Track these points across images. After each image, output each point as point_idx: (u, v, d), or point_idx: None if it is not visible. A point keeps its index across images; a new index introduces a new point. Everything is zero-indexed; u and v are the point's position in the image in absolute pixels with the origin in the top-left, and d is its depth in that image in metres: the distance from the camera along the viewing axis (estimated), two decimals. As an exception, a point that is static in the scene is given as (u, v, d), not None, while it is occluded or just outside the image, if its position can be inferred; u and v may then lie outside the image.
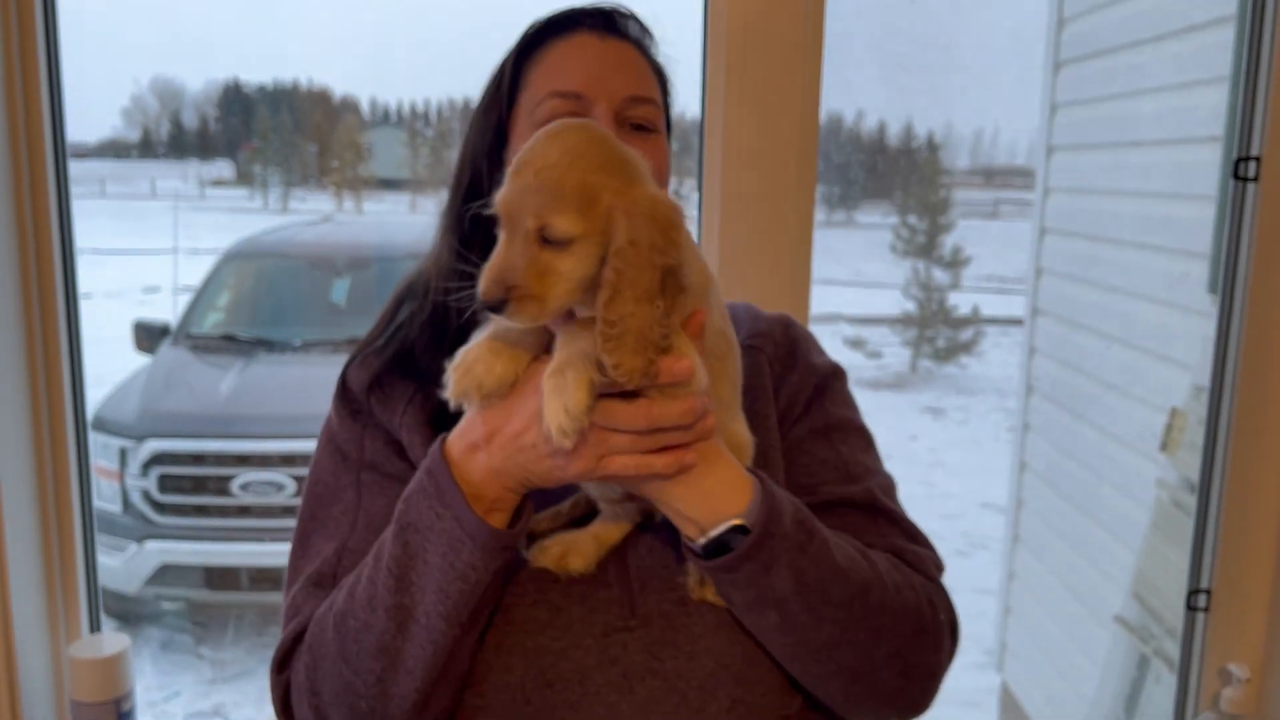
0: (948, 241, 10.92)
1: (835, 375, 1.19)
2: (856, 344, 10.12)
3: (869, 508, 1.08)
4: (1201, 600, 1.94)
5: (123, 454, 4.38)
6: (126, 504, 4.37)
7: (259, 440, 4.37)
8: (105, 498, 4.35)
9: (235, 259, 5.61)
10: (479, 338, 0.89)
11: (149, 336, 5.16)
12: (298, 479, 4.28)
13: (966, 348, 10.81)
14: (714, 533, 0.91)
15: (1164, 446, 2.93)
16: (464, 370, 0.87)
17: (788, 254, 1.75)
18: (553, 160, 0.81)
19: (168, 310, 5.70)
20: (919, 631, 0.99)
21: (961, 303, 10.85)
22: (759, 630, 0.96)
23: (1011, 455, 4.29)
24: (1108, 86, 3.55)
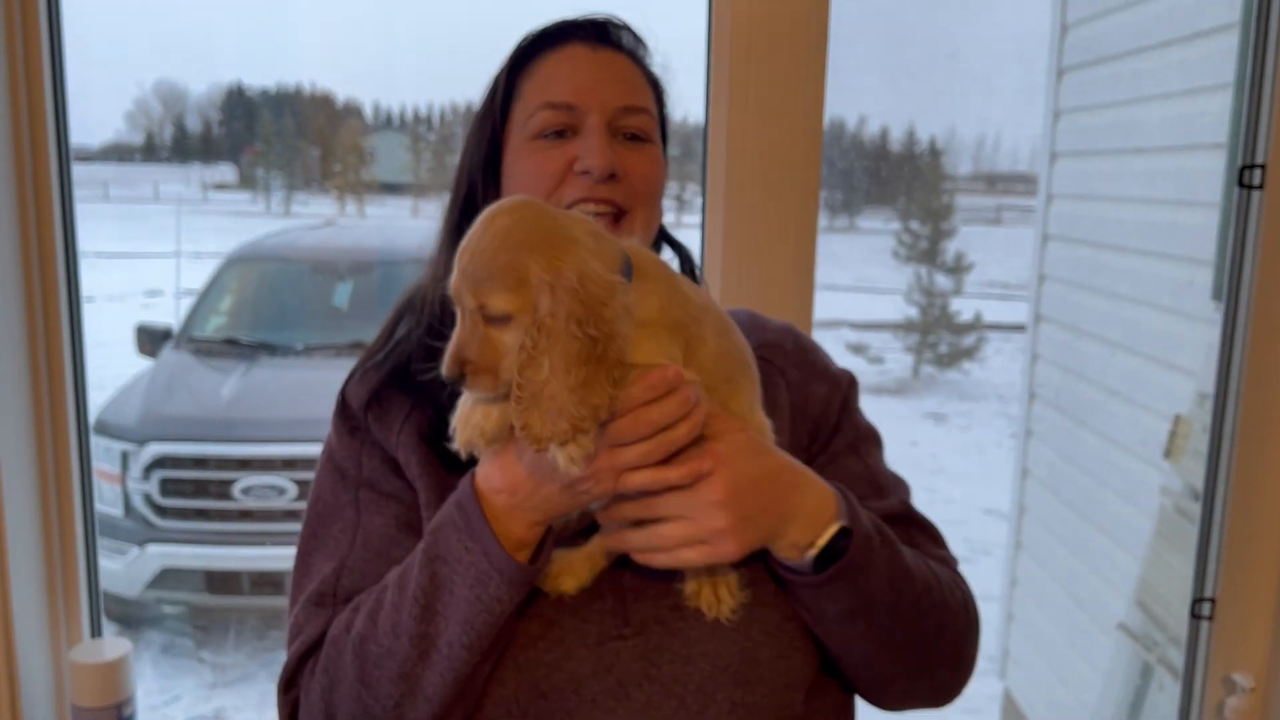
0: (950, 247, 10.92)
1: (852, 384, 1.20)
2: (859, 349, 10.12)
3: (904, 518, 1.11)
4: (1206, 609, 1.93)
5: (124, 457, 4.38)
6: (128, 507, 4.37)
7: (261, 444, 4.37)
8: (107, 501, 4.35)
9: (237, 263, 5.61)
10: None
11: (151, 340, 5.16)
12: (299, 483, 4.28)
13: (969, 353, 10.81)
14: (822, 541, 0.94)
15: (1168, 453, 2.92)
16: (464, 421, 0.91)
17: (791, 259, 1.74)
18: (484, 244, 0.86)
19: (170, 314, 5.71)
20: (967, 627, 1.06)
21: (964, 308, 10.85)
22: (842, 641, 1.00)
23: (1014, 461, 4.29)
24: (1112, 93, 3.55)
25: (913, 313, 10.77)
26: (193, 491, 4.36)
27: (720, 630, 0.98)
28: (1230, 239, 1.89)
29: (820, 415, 1.14)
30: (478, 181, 1.11)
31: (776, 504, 0.93)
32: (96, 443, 3.66)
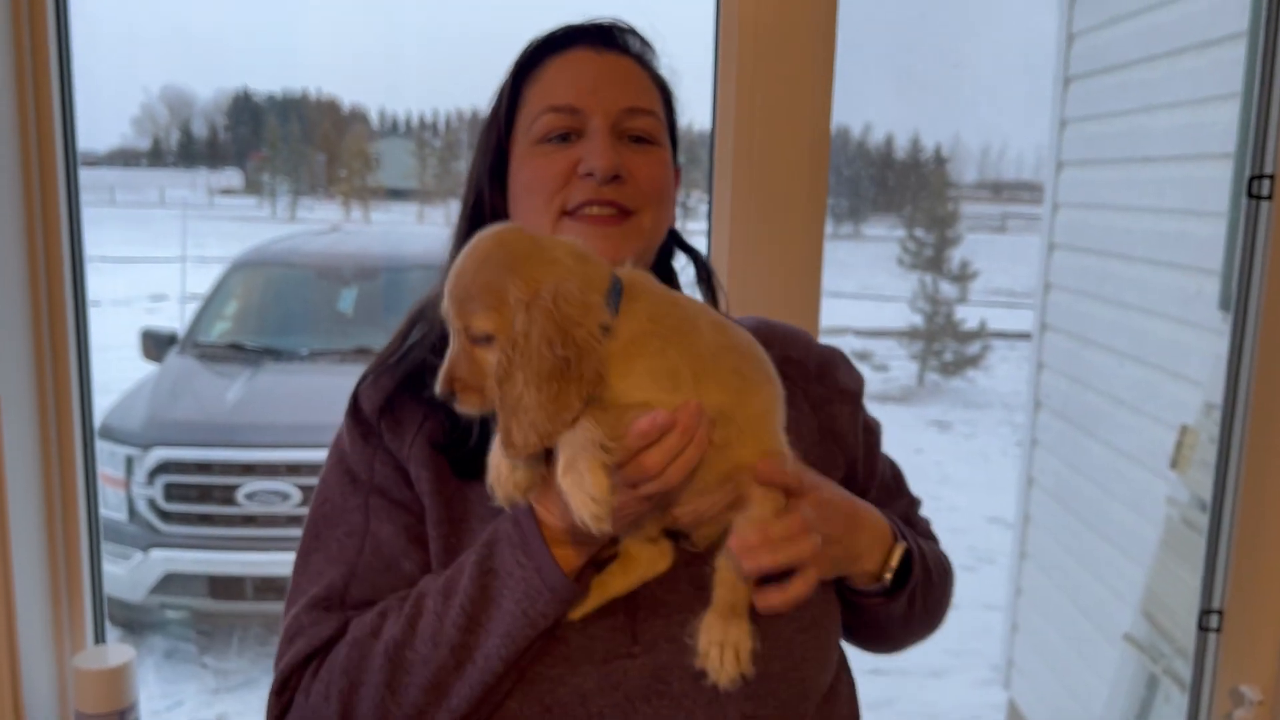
0: (955, 255, 10.92)
1: (860, 394, 1.22)
2: (863, 356, 10.11)
3: (909, 511, 1.24)
4: (1214, 621, 1.92)
5: (129, 462, 4.37)
6: (132, 512, 4.37)
7: (265, 449, 4.36)
8: (111, 506, 4.35)
9: (243, 268, 5.62)
10: (496, 440, 0.92)
11: (156, 345, 5.16)
12: (303, 488, 4.28)
13: (974, 361, 10.80)
14: (894, 563, 1.06)
15: (1174, 464, 2.91)
16: (496, 479, 0.92)
17: (799, 266, 1.74)
18: (466, 267, 0.90)
19: (175, 318, 5.71)
20: (951, 593, 1.20)
21: (969, 316, 10.85)
22: (885, 630, 1.13)
23: (1019, 470, 4.28)
24: (1118, 102, 3.54)
25: (917, 320, 10.77)
26: (197, 497, 4.36)
27: None
28: (1238, 249, 1.89)
29: (847, 434, 1.16)
30: (484, 189, 1.10)
31: (849, 528, 1.02)
32: (101, 447, 3.66)
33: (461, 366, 0.90)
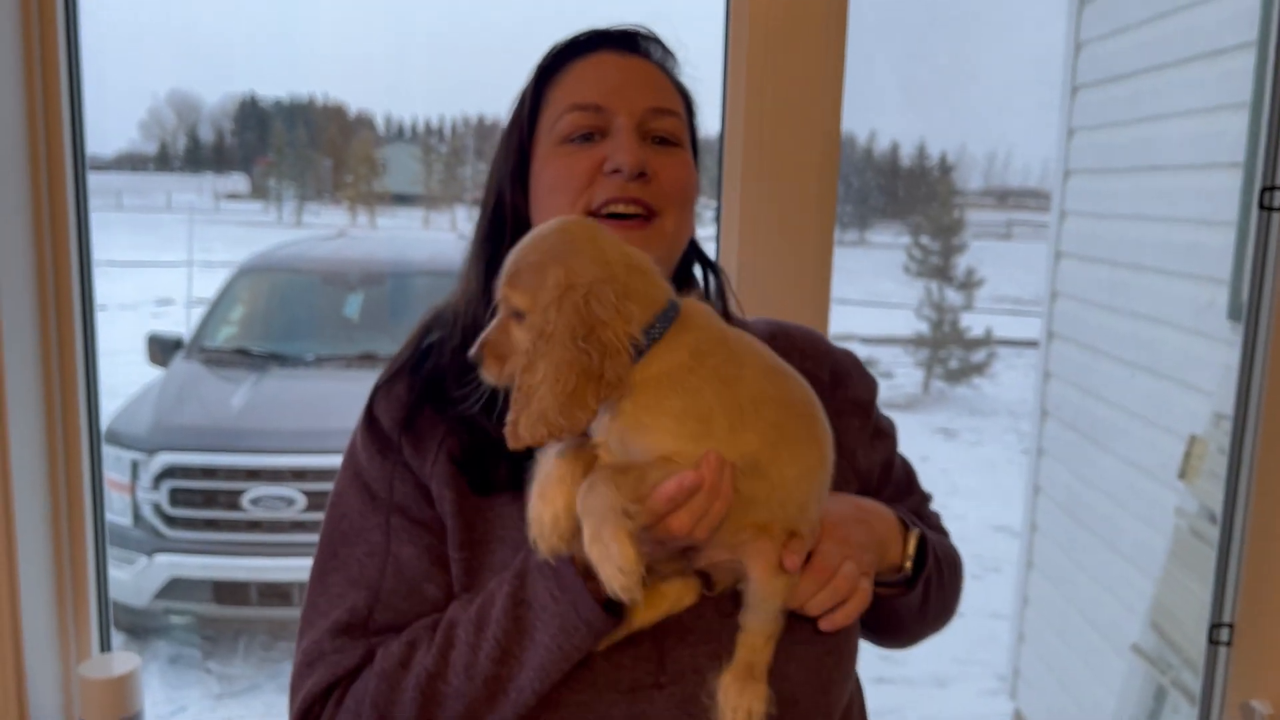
0: (961, 262, 10.92)
1: (873, 402, 1.21)
2: (869, 364, 10.07)
3: (920, 509, 1.23)
4: (1224, 634, 1.91)
5: (134, 467, 4.38)
6: (137, 517, 4.37)
7: (270, 455, 4.36)
8: (116, 510, 4.35)
9: (249, 273, 5.63)
10: (536, 490, 0.91)
11: (162, 350, 5.17)
12: (309, 494, 4.28)
13: (979, 369, 10.79)
14: (911, 550, 1.07)
15: (1182, 474, 2.90)
16: (540, 531, 0.89)
17: (808, 273, 1.73)
18: (526, 244, 0.91)
19: (181, 323, 5.73)
20: (961, 584, 1.20)
21: (974, 324, 10.84)
22: (902, 624, 1.13)
23: (1025, 478, 4.27)
24: (1127, 110, 3.54)
25: (923, 327, 10.76)
26: (202, 502, 4.36)
27: None
28: (1250, 260, 1.88)
29: (857, 449, 1.15)
30: (506, 191, 1.09)
31: (871, 535, 1.03)
32: (106, 452, 3.67)
33: (495, 335, 0.90)
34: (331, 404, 4.55)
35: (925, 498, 1.26)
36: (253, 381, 4.85)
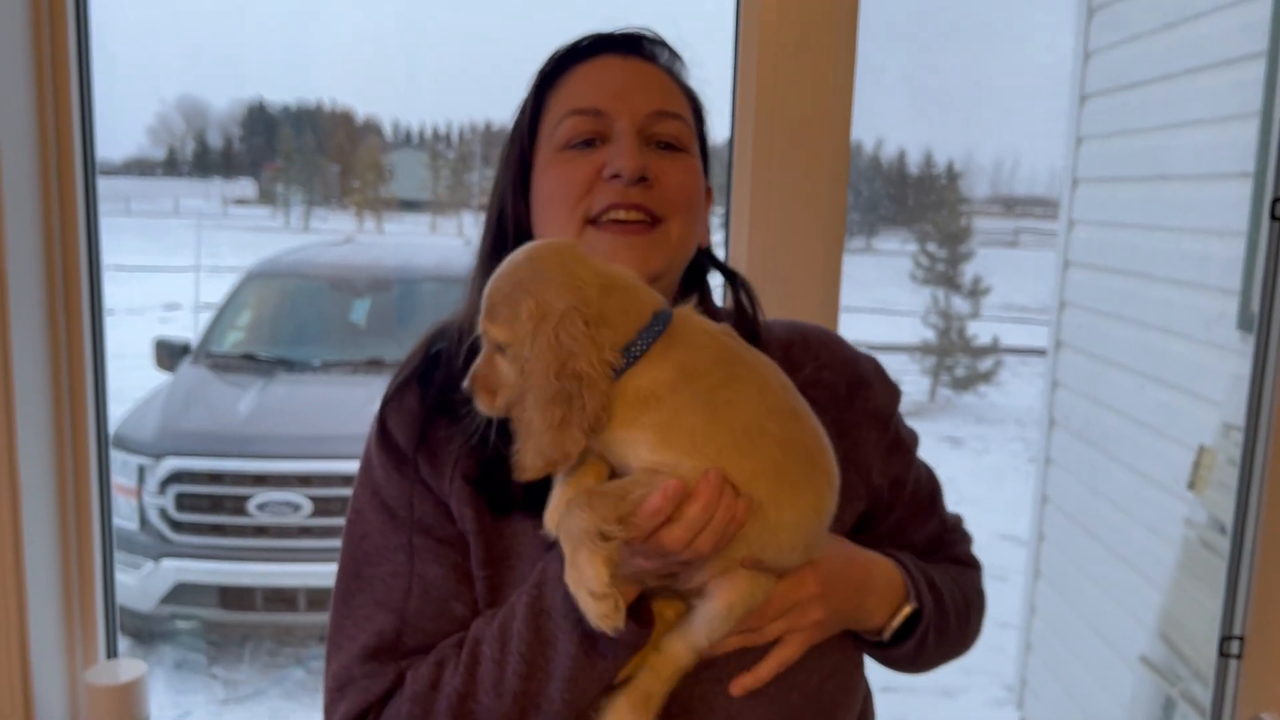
0: (968, 270, 10.90)
1: (893, 414, 1.14)
2: (877, 372, 10.05)
3: (940, 536, 1.18)
4: (1234, 647, 1.90)
5: (141, 471, 4.39)
6: (144, 522, 4.38)
7: (276, 460, 4.36)
8: (123, 515, 4.36)
9: (256, 278, 5.64)
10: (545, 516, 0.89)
11: (169, 355, 5.18)
12: (315, 499, 4.28)
13: (986, 377, 10.77)
14: (896, 624, 1.03)
15: (1191, 484, 2.89)
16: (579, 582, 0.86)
17: (817, 281, 1.73)
18: (499, 274, 0.90)
19: (188, 328, 5.73)
20: (979, 626, 1.17)
21: (981, 332, 10.82)
22: (887, 661, 1.10)
23: (1032, 487, 4.25)
24: (1136, 119, 3.53)
25: (930, 335, 10.74)
26: (208, 507, 4.36)
27: (760, 703, 0.97)
28: (1261, 271, 1.87)
29: (871, 464, 1.09)
30: (508, 203, 1.06)
31: (856, 593, 0.99)
32: (113, 456, 3.66)
33: (484, 368, 0.90)
34: (338, 409, 4.56)
35: (949, 522, 1.19)
36: (260, 387, 4.85)
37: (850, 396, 1.10)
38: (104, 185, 1.78)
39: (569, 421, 0.83)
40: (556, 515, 0.87)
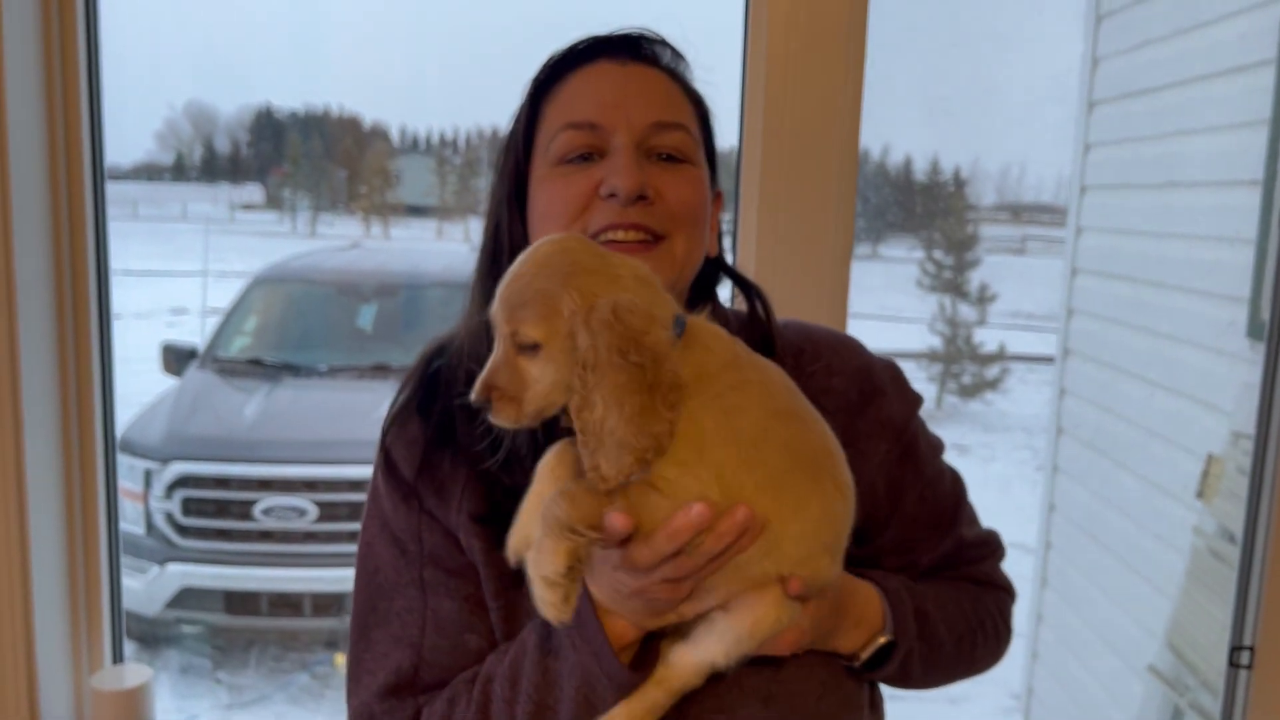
0: (974, 277, 10.88)
1: (910, 423, 1.10)
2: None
3: (956, 554, 1.12)
4: (1244, 657, 1.89)
5: (147, 476, 4.39)
6: (150, 526, 4.38)
7: (282, 465, 4.37)
8: (129, 519, 4.36)
9: (263, 284, 5.65)
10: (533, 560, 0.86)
11: (176, 359, 5.19)
12: (320, 504, 4.28)
13: (992, 384, 10.74)
14: (867, 655, 0.99)
15: (1200, 493, 2.87)
16: (536, 578, 0.84)
17: (825, 288, 1.73)
18: (524, 270, 0.84)
19: (195, 332, 5.74)
20: (997, 643, 1.13)
21: (987, 339, 10.79)
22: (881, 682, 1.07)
23: (1039, 495, 4.23)
24: (1144, 127, 3.52)
25: (936, 342, 10.72)
26: (214, 511, 4.36)
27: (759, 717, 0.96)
28: (1271, 279, 1.86)
29: (878, 476, 1.06)
30: (503, 218, 1.02)
31: (832, 614, 0.96)
32: (119, 460, 3.66)
33: (502, 374, 0.83)
34: (344, 415, 4.57)
35: (969, 538, 1.13)
36: (266, 392, 4.86)
37: (862, 405, 1.06)
38: (112, 190, 1.79)
39: (651, 405, 0.78)
40: (518, 539, 0.85)
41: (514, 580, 0.95)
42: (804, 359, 1.06)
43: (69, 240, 1.71)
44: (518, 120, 1.02)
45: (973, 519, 1.16)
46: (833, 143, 1.68)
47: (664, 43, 1.03)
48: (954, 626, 1.06)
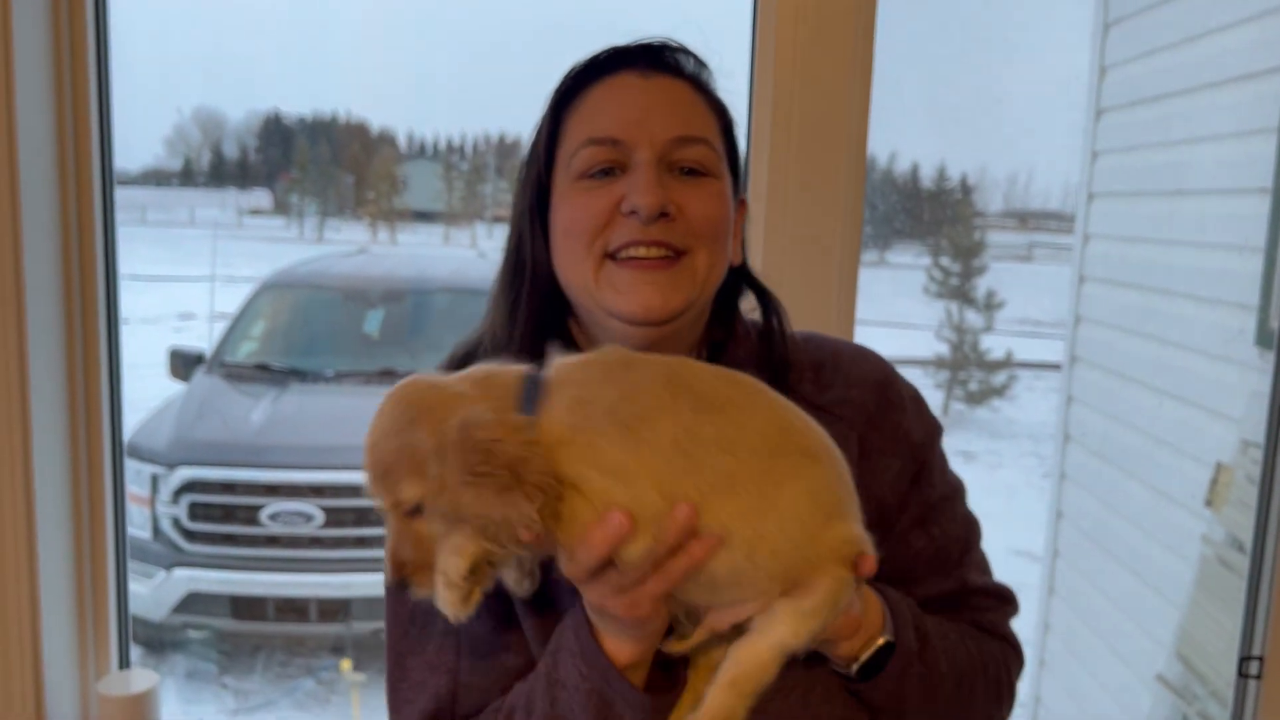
0: (981, 284, 10.87)
1: (928, 445, 1.09)
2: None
3: (959, 594, 1.08)
4: (1253, 667, 1.88)
5: (154, 480, 4.40)
6: (156, 531, 4.38)
7: (289, 470, 4.38)
8: (135, 524, 4.37)
9: (271, 289, 5.66)
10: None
11: (184, 364, 5.20)
12: (327, 510, 4.28)
13: (999, 391, 10.72)
14: (865, 656, 0.95)
15: (1209, 502, 2.86)
16: (440, 584, 0.84)
17: (833, 295, 1.72)
18: (376, 437, 0.82)
19: (203, 337, 5.75)
20: (998, 698, 1.08)
21: (994, 346, 10.77)
22: (875, 708, 1.01)
23: (1046, 503, 4.22)
24: (1152, 134, 3.52)
25: (943, 349, 10.70)
26: (221, 516, 4.37)
27: None
28: (1277, 285, 1.85)
29: (887, 493, 1.04)
30: (525, 231, 1.01)
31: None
32: (127, 465, 3.67)
33: (405, 548, 0.81)
34: (351, 420, 4.56)
35: (975, 584, 1.09)
36: (273, 397, 4.86)
37: (879, 416, 1.05)
38: (121, 195, 1.79)
39: (514, 500, 0.76)
40: (442, 576, 0.82)
41: (544, 601, 0.95)
42: (823, 374, 1.05)
43: (78, 245, 1.72)
44: (539, 132, 1.01)
45: (983, 567, 1.12)
46: (840, 149, 1.68)
47: (686, 51, 1.02)
48: (954, 660, 1.01)
